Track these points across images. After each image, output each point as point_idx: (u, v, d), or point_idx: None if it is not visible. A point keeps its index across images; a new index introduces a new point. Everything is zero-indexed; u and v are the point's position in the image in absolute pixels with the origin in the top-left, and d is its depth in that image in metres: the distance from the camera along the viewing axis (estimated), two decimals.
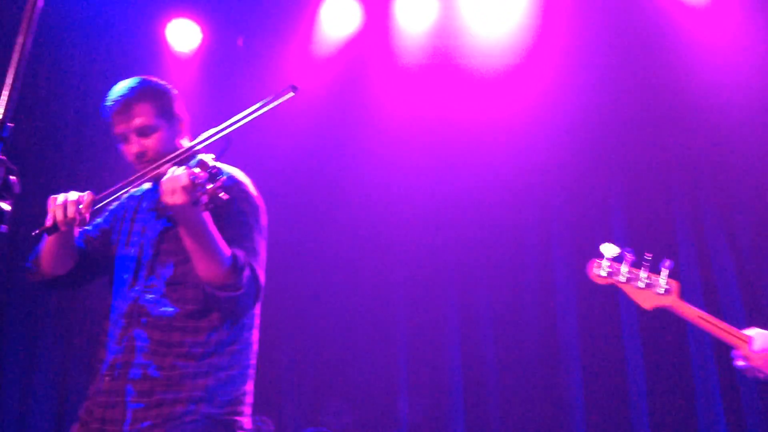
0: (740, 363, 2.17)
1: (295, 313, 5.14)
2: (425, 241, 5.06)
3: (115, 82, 2.23)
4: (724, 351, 4.29)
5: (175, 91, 2.27)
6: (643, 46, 4.77)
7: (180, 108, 2.26)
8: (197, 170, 1.83)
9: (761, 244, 4.57)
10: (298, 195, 5.18)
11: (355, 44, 5.18)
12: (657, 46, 4.74)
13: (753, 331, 2.17)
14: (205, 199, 1.82)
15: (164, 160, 2.06)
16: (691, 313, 2.25)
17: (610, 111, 4.80)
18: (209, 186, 1.81)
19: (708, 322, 2.23)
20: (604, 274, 2.32)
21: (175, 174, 1.86)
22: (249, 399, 2.11)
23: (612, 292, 4.49)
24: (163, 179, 1.89)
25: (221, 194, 1.83)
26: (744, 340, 2.17)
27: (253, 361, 2.15)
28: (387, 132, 5.12)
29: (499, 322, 4.85)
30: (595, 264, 2.35)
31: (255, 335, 2.17)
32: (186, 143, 2.22)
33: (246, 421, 2.08)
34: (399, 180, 5.11)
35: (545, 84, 4.83)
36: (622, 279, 2.32)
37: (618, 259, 2.34)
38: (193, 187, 1.81)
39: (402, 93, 5.07)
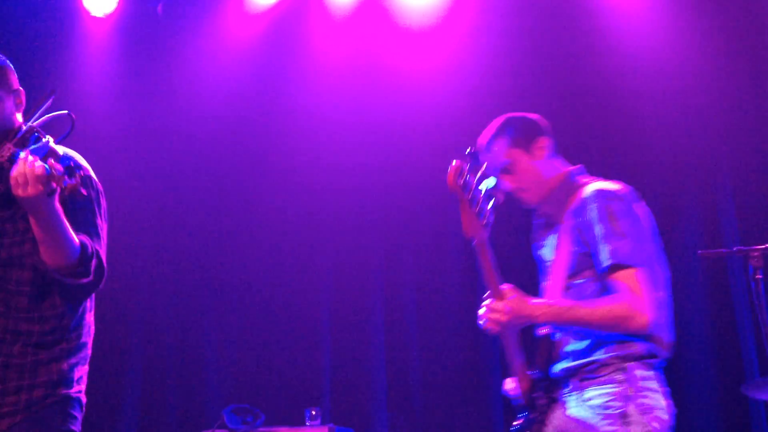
0: (481, 311, 2.21)
1: (217, 304, 5.09)
2: (351, 235, 5.07)
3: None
4: None
5: (10, 64, 2.20)
6: (561, 32, 4.86)
7: (17, 82, 2.19)
8: (52, 161, 1.79)
9: (670, 226, 4.80)
10: (217, 187, 5.13)
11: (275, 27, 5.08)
12: (576, 32, 4.84)
13: (507, 288, 2.18)
14: (65, 193, 1.80)
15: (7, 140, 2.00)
16: (487, 260, 2.18)
17: (527, 98, 4.87)
18: (71, 182, 1.79)
19: (488, 271, 2.18)
20: (460, 182, 2.13)
21: (29, 166, 1.80)
22: (86, 377, 2.19)
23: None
24: (13, 171, 1.83)
25: (81, 189, 1.85)
26: (498, 294, 2.16)
27: (90, 340, 2.19)
28: (316, 124, 5.09)
29: (423, 318, 4.93)
30: (459, 167, 2.14)
31: (92, 316, 2.21)
32: (20, 119, 2.16)
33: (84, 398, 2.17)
34: (326, 172, 5.09)
35: (462, 67, 4.87)
36: (467, 195, 2.15)
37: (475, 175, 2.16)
38: (47, 180, 1.77)
39: (325, 87, 5.03)
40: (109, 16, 5.00)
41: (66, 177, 1.78)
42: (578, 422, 2.15)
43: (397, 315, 4.97)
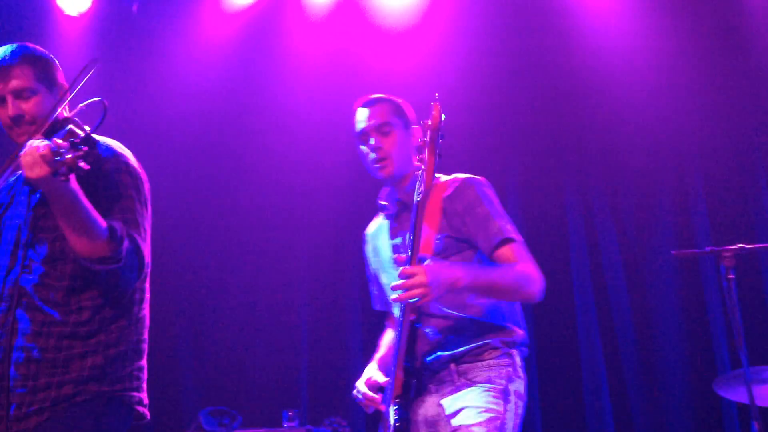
0: (397, 282, 2.07)
1: (193, 304, 5.08)
2: (329, 235, 5.07)
3: None
4: (610, 351, 4.66)
5: (56, 60, 2.19)
6: (537, 33, 4.90)
7: (62, 77, 2.18)
8: (59, 141, 1.75)
9: (644, 226, 4.87)
10: (194, 187, 5.11)
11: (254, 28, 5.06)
12: (551, 32, 4.89)
13: (426, 255, 2.20)
14: (63, 169, 1.72)
15: (39, 130, 1.98)
16: (421, 220, 2.18)
17: (504, 98, 4.93)
18: (68, 156, 1.72)
19: (418, 233, 2.16)
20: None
21: (33, 145, 1.78)
22: (143, 374, 2.08)
23: None
24: (21, 153, 1.81)
25: (81, 164, 1.74)
26: (415, 262, 2.12)
27: (144, 336, 2.10)
28: (294, 123, 5.08)
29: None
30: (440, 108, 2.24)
31: (145, 309, 2.12)
32: (66, 113, 2.14)
33: (143, 397, 2.06)
34: (304, 171, 5.08)
35: (439, 68, 4.89)
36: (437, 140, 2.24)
37: None
38: (52, 157, 1.72)
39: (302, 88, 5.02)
40: (83, 15, 4.95)
41: (68, 153, 1.71)
42: (453, 403, 2.20)
43: (375, 316, 4.96)
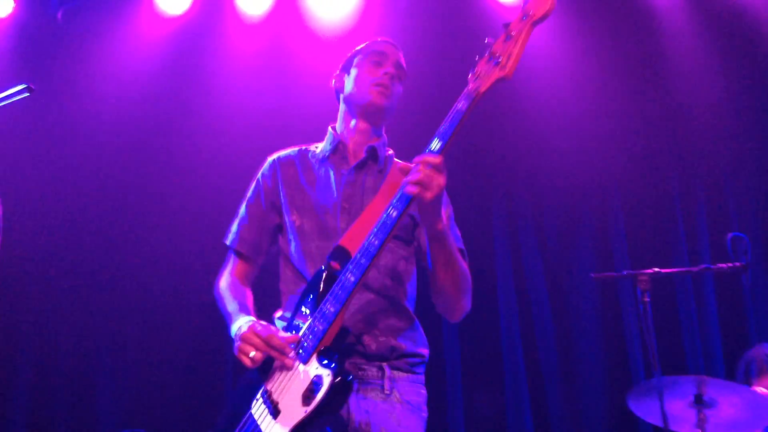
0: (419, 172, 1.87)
1: (113, 322, 4.92)
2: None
3: None
4: (533, 370, 4.78)
5: None
6: (467, 54, 4.96)
7: None
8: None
9: (567, 248, 5.02)
10: (119, 195, 4.97)
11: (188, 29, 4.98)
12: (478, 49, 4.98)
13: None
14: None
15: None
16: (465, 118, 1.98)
17: (433, 111, 4.98)
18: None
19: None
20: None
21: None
22: None
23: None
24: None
25: None
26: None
27: None
28: (227, 127, 5.00)
29: None
30: None
31: None
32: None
33: None
34: (236, 176, 4.96)
35: None
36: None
37: None
38: None
39: (232, 87, 4.95)
40: (3, 20, 4.77)
41: None
42: (376, 410, 1.95)
43: None
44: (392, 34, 4.82)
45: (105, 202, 5.00)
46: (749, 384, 3.51)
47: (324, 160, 2.24)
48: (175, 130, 5.04)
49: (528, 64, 4.93)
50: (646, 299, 2.99)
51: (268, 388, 1.88)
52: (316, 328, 1.86)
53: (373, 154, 2.22)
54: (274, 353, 1.85)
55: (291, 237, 2.15)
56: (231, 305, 2.11)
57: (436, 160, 1.86)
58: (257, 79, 4.96)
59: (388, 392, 1.97)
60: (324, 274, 1.94)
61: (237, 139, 4.93)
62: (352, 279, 1.86)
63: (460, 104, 1.96)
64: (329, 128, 2.30)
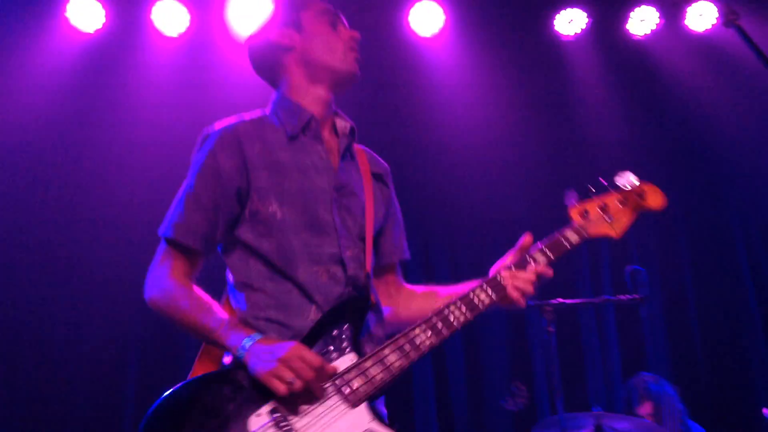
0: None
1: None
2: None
3: None
4: (442, 394, 4.84)
5: None
6: (377, 81, 5.05)
7: None
8: None
9: (475, 267, 5.13)
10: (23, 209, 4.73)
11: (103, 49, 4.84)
12: (392, 79, 5.07)
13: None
14: None
15: None
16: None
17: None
18: None
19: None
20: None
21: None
22: None
23: None
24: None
25: None
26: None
27: None
28: (143, 142, 4.87)
29: None
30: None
31: None
32: None
33: None
34: (149, 194, 4.85)
35: None
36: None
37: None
38: None
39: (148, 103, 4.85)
40: None
41: None
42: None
43: None
44: None
45: (6, 220, 4.76)
46: (632, 410, 3.72)
47: (294, 138, 1.89)
48: (87, 145, 4.88)
49: (441, 96, 5.12)
50: (551, 329, 3.09)
51: (288, 416, 1.64)
52: (373, 376, 1.68)
53: (353, 136, 1.99)
54: (317, 387, 1.64)
55: (264, 229, 1.81)
56: (206, 315, 1.75)
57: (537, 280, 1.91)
58: (173, 94, 4.87)
59: None
60: (354, 303, 1.76)
61: (155, 156, 4.83)
62: (427, 343, 1.75)
63: (572, 237, 2.01)
64: (280, 95, 1.97)
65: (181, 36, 4.80)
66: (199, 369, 1.85)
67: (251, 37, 2.08)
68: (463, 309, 1.80)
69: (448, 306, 1.79)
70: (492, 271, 1.91)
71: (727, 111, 5.19)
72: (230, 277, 1.88)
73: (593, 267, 5.12)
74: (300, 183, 1.84)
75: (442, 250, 5.19)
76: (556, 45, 5.13)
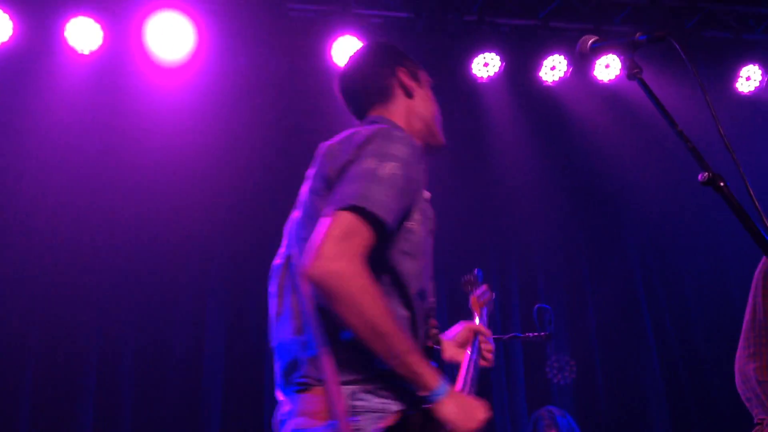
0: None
1: None
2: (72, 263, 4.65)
3: None
4: None
5: None
6: (297, 110, 5.09)
7: None
8: None
9: None
10: None
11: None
12: (311, 110, 5.05)
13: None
14: None
15: None
16: None
17: (267, 169, 5.01)
18: None
19: None
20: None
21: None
22: None
23: (262, 327, 4.72)
24: None
25: None
26: None
27: None
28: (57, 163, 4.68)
29: (143, 346, 4.63)
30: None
31: None
32: None
33: None
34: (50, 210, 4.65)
35: (208, 140, 4.88)
36: None
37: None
38: None
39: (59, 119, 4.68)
40: None
41: None
42: None
43: (110, 376, 4.57)
44: (226, 72, 4.88)
45: None
46: None
47: None
48: None
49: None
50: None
51: None
52: (473, 376, 2.04)
53: None
54: None
55: (409, 248, 1.67)
56: (401, 329, 1.55)
57: None
58: (82, 110, 4.72)
59: None
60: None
61: (66, 174, 4.65)
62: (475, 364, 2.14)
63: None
64: (396, 123, 1.87)
65: (93, 53, 4.68)
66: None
67: (365, 58, 2.03)
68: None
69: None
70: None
71: (628, 155, 5.50)
72: None
73: (503, 305, 5.24)
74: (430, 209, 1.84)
75: None
76: (473, 86, 5.30)
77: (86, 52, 4.66)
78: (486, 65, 5.20)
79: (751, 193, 1.42)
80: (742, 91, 5.56)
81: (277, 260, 1.82)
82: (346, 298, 1.46)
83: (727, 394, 2.44)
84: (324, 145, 1.77)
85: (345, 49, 4.87)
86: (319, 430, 1.51)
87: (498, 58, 5.17)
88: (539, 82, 5.34)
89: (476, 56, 5.17)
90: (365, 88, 1.98)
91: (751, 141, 5.54)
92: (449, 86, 5.27)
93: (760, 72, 5.49)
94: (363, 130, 1.70)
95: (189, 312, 4.80)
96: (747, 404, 2.35)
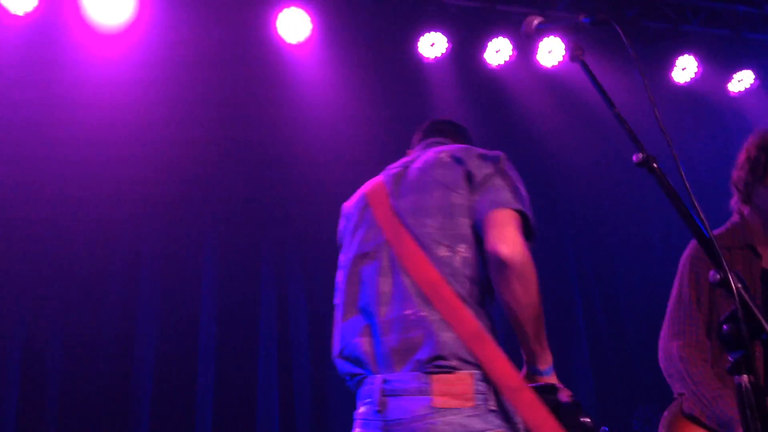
0: None
1: None
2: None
3: None
4: (284, 374, 4.81)
5: None
6: (245, 81, 5.01)
7: None
8: None
9: (330, 268, 5.15)
10: None
11: None
12: (255, 84, 5.01)
13: None
14: None
15: None
16: None
17: (207, 145, 4.92)
18: None
19: None
20: None
21: None
22: None
23: (194, 320, 4.66)
24: None
25: None
26: None
27: None
28: None
29: (72, 338, 4.49)
30: None
31: None
32: None
33: None
34: None
35: (144, 114, 4.74)
36: None
37: None
38: None
39: None
40: None
41: None
42: None
43: (41, 337, 4.44)
44: (168, 41, 4.73)
45: None
46: None
47: None
48: None
49: (304, 105, 5.12)
50: None
51: None
52: None
53: None
54: None
55: None
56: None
57: None
58: (15, 79, 4.53)
59: None
60: None
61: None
62: None
63: None
64: None
65: (28, 15, 4.47)
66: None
67: None
68: None
69: None
70: None
71: (567, 139, 5.63)
72: (474, 273, 1.87)
73: None
74: None
75: (297, 269, 5.14)
76: (419, 66, 5.31)
77: (20, 13, 4.46)
78: (433, 45, 5.21)
79: (683, 174, 1.47)
80: (678, 81, 5.74)
81: (370, 243, 2.00)
82: (530, 279, 1.78)
83: (651, 372, 2.54)
84: (441, 151, 2.09)
85: (291, 20, 4.81)
86: (468, 411, 1.71)
87: (445, 38, 5.19)
88: (484, 64, 5.39)
89: (423, 35, 5.17)
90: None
91: (685, 130, 5.75)
92: (396, 65, 5.28)
93: (695, 62, 5.67)
94: (476, 148, 2.12)
95: (119, 301, 4.65)
96: (668, 380, 2.46)
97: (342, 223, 2.24)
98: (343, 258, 2.11)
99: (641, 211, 5.79)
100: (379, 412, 1.79)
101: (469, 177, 1.96)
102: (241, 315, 4.87)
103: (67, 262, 4.56)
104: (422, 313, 1.80)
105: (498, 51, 5.34)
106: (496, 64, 5.39)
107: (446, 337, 1.76)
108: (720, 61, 5.72)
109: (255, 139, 5.07)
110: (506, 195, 1.89)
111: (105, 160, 4.63)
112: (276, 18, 4.81)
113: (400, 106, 5.34)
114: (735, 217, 2.58)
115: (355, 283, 1.98)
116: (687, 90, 5.78)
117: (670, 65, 5.68)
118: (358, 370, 1.91)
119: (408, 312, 1.82)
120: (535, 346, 1.83)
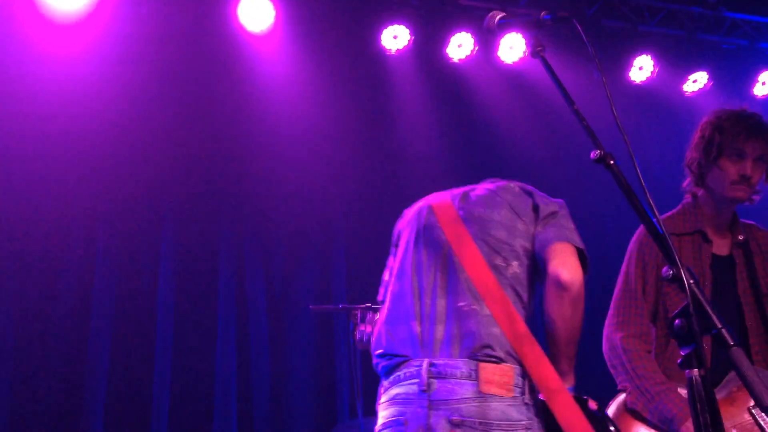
0: None
1: None
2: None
3: None
4: (242, 368, 4.77)
5: None
6: (205, 72, 4.93)
7: None
8: None
9: (290, 283, 5.14)
10: None
11: None
12: (214, 76, 4.94)
13: None
14: None
15: None
16: None
17: (165, 138, 4.83)
18: None
19: None
20: None
21: None
22: None
23: (150, 315, 4.58)
24: None
25: None
26: None
27: None
28: None
29: (24, 334, 4.38)
30: None
31: None
32: None
33: None
34: None
35: (100, 108, 4.63)
36: None
37: None
38: None
39: None
40: None
41: None
42: None
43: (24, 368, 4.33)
44: (126, 24, 4.60)
45: None
46: None
47: None
48: None
49: (267, 96, 5.06)
50: (357, 334, 3.15)
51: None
52: None
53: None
54: None
55: None
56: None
57: None
58: None
59: None
60: None
61: None
62: None
63: None
64: None
65: None
66: None
67: None
68: None
69: None
70: None
71: (527, 133, 5.68)
72: (521, 289, 2.09)
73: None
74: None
75: (257, 262, 5.09)
76: (381, 58, 5.30)
77: None
78: (395, 37, 5.20)
79: (638, 171, 1.49)
80: (635, 81, 5.84)
81: (430, 241, 2.17)
82: (580, 305, 2.04)
83: (598, 362, 2.56)
84: (509, 182, 2.36)
85: (253, 9, 4.74)
86: (508, 400, 1.91)
87: (408, 31, 5.18)
88: (446, 58, 5.41)
89: (386, 28, 5.16)
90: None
91: (641, 128, 5.85)
92: (359, 57, 5.25)
93: (652, 62, 5.77)
94: (537, 192, 2.32)
95: (74, 297, 4.53)
96: (612, 371, 2.42)
97: (400, 224, 2.38)
98: (399, 253, 2.27)
99: (596, 207, 5.88)
100: (424, 391, 1.93)
101: (536, 209, 2.19)
102: (198, 310, 4.80)
103: (21, 257, 4.43)
104: (474, 307, 1.99)
105: (460, 45, 5.36)
106: (458, 58, 5.41)
107: (495, 331, 1.96)
108: (676, 61, 5.83)
109: (213, 132, 5.00)
110: (571, 233, 2.13)
111: (61, 155, 4.52)
112: (237, 7, 4.73)
113: (362, 98, 5.33)
114: (687, 198, 2.52)
115: (410, 275, 2.13)
116: (643, 89, 5.88)
117: (628, 64, 5.77)
118: (402, 352, 2.02)
119: (461, 304, 2.01)
120: (565, 365, 2.06)
